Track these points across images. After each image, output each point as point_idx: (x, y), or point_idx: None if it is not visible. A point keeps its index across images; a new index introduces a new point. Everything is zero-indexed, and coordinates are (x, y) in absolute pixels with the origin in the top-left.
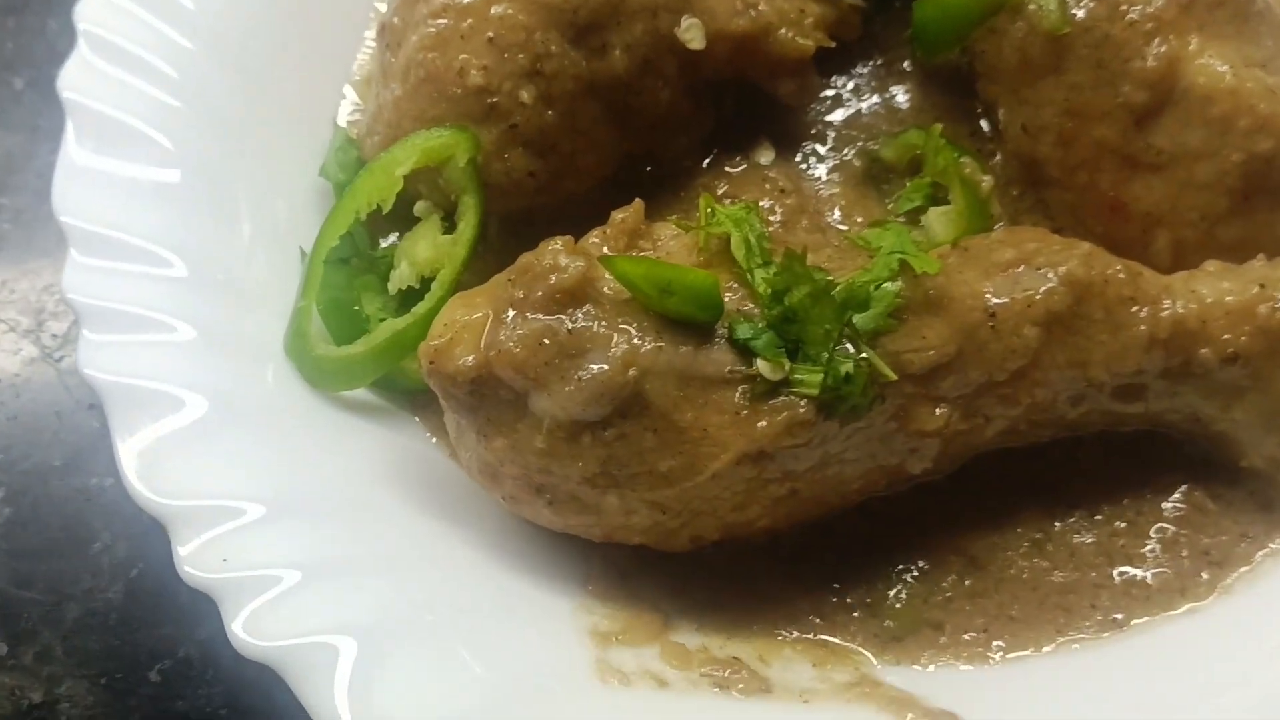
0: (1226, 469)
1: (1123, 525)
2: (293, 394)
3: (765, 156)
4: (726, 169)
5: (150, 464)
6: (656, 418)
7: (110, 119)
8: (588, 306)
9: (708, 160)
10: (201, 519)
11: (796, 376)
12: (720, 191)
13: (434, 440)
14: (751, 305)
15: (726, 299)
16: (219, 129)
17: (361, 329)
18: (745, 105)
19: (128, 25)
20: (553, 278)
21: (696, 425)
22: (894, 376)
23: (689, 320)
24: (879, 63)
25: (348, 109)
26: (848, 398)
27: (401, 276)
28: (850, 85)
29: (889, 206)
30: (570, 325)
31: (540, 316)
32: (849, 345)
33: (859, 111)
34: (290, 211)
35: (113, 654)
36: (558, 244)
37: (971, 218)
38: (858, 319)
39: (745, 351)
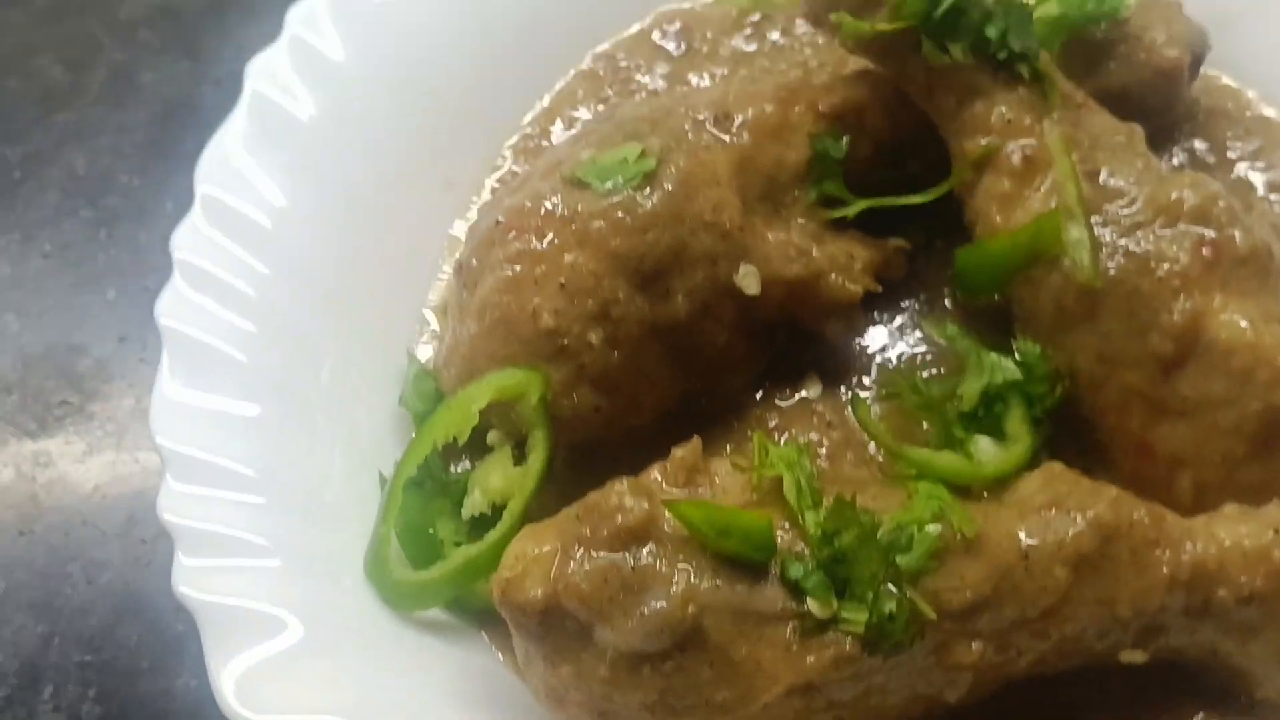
0: (1242, 700)
1: None
2: (371, 613)
3: (813, 390)
4: (777, 402)
5: (242, 681)
6: (713, 651)
7: (202, 344)
8: (650, 545)
9: (760, 393)
10: None
11: (843, 615)
12: (771, 424)
13: (499, 656)
14: (802, 545)
15: (779, 538)
16: (304, 356)
17: (435, 551)
18: (794, 340)
19: (218, 255)
20: (618, 518)
21: (750, 659)
22: (934, 616)
23: (744, 559)
24: (922, 298)
25: (425, 335)
26: (890, 635)
27: (474, 504)
28: (894, 321)
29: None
30: (633, 563)
31: (605, 554)
32: (892, 585)
33: (902, 346)
34: (372, 435)
35: None
36: (623, 485)
37: (1024, 463)
38: (901, 560)
39: (796, 590)
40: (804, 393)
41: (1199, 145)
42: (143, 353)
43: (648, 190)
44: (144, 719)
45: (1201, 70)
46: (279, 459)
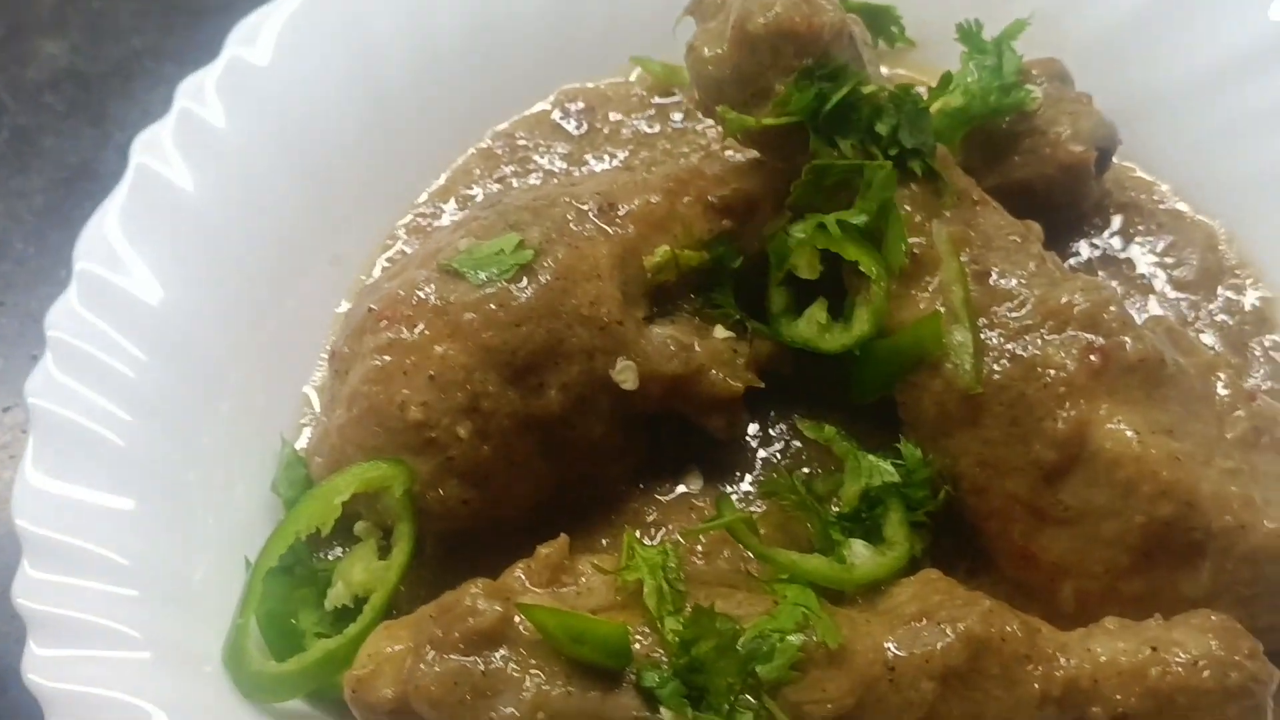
0: None
1: None
2: (232, 703)
3: (694, 484)
4: (656, 495)
5: None
6: None
7: (71, 424)
8: (503, 649)
9: (640, 485)
10: None
11: None
12: (650, 518)
13: None
14: (660, 651)
15: (637, 644)
16: (181, 438)
17: (297, 642)
18: (677, 432)
19: (93, 334)
20: (469, 620)
21: None
22: None
23: (599, 666)
24: (810, 394)
25: (307, 415)
26: None
27: (337, 595)
28: (779, 417)
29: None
30: (484, 667)
31: (457, 656)
32: (750, 696)
33: (787, 442)
34: (247, 520)
35: None
36: (478, 587)
37: (899, 568)
38: (761, 669)
39: (651, 698)
40: (684, 487)
41: (1108, 239)
42: (26, 424)
43: (523, 282)
44: None
45: (1116, 162)
46: (150, 545)
